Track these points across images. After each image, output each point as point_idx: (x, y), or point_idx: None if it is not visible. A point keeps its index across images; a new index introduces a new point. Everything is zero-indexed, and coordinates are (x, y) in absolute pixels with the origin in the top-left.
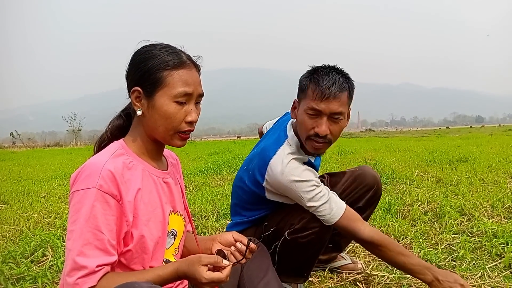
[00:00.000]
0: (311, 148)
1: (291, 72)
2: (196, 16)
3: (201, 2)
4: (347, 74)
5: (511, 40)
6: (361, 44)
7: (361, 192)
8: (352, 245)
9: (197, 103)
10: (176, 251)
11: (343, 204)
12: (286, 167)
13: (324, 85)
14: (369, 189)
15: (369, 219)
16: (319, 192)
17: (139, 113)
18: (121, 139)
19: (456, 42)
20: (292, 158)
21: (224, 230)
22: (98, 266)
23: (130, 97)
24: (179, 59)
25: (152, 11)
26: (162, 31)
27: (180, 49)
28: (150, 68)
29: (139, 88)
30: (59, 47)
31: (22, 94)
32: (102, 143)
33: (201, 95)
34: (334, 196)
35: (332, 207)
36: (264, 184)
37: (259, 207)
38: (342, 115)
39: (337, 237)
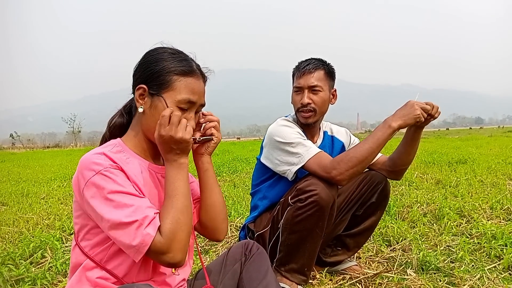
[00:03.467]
0: (301, 118)
1: (290, 73)
2: (197, 17)
3: (202, 3)
4: (325, 61)
5: (511, 41)
6: (361, 45)
7: (372, 187)
8: None
9: (197, 112)
10: None
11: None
12: (277, 120)
13: (301, 66)
14: (379, 183)
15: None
16: (296, 139)
17: (140, 110)
18: (119, 138)
19: (456, 43)
20: (285, 120)
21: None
22: (155, 213)
23: (133, 93)
24: (189, 67)
25: (153, 11)
26: (163, 32)
27: (192, 57)
28: (161, 69)
29: (144, 86)
30: (59, 48)
31: (22, 95)
32: (102, 143)
33: (203, 105)
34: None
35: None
36: (262, 144)
37: (260, 181)
38: (320, 88)
39: (346, 238)
